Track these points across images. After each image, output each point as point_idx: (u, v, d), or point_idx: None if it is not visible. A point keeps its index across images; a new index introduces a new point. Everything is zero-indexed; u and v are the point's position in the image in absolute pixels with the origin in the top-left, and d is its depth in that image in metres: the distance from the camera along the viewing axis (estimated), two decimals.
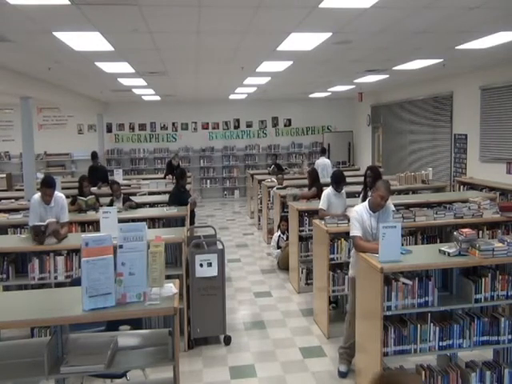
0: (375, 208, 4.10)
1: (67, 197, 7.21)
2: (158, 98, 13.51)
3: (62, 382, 3.11)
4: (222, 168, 15.43)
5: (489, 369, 3.64)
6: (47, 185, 5.00)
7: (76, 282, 3.51)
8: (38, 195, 5.12)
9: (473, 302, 3.55)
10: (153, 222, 6.29)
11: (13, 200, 7.83)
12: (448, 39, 6.09)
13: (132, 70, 8.08)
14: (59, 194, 5.21)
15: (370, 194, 5.41)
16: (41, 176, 12.32)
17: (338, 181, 5.83)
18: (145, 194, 8.81)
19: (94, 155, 10.88)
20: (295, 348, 4.86)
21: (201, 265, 4.77)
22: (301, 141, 15.80)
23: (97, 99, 13.43)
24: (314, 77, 9.72)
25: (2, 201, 7.81)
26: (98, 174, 9.90)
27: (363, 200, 5.61)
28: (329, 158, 11.51)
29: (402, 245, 3.83)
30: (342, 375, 4.25)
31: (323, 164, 10.81)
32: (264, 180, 9.97)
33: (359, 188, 7.97)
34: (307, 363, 4.53)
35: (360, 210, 4.14)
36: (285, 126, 15.90)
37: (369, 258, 3.67)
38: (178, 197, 7.05)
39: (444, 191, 8.37)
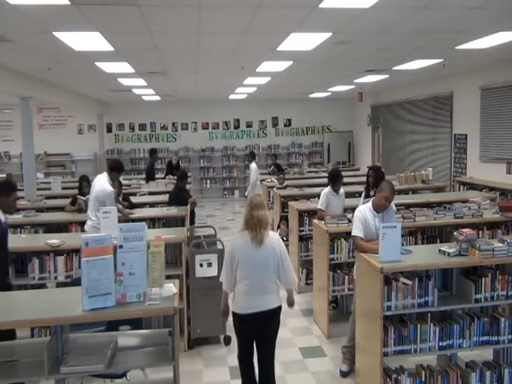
0: (379, 209, 4.07)
1: (67, 197, 7.20)
2: (158, 97, 13.51)
3: (62, 381, 3.11)
4: (222, 168, 15.42)
5: (489, 369, 3.64)
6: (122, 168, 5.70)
7: (76, 282, 3.51)
8: (110, 186, 5.45)
9: (473, 302, 3.55)
10: (153, 222, 6.29)
11: None
12: (448, 39, 6.09)
13: (132, 70, 8.08)
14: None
15: (371, 193, 5.42)
16: (41, 176, 12.38)
17: (334, 178, 5.76)
18: (145, 194, 8.81)
19: (153, 151, 11.01)
20: (295, 348, 4.86)
21: (201, 265, 4.77)
22: (301, 141, 15.80)
23: (97, 99, 13.43)
24: (313, 77, 9.72)
25: None
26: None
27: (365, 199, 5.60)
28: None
29: (402, 245, 3.82)
30: (344, 375, 4.26)
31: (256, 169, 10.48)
32: (264, 180, 9.97)
33: (359, 188, 8.00)
34: (307, 363, 4.54)
35: (364, 210, 4.09)
36: (285, 126, 15.90)
37: (369, 258, 3.67)
38: (178, 197, 7.05)
39: (444, 191, 8.37)
